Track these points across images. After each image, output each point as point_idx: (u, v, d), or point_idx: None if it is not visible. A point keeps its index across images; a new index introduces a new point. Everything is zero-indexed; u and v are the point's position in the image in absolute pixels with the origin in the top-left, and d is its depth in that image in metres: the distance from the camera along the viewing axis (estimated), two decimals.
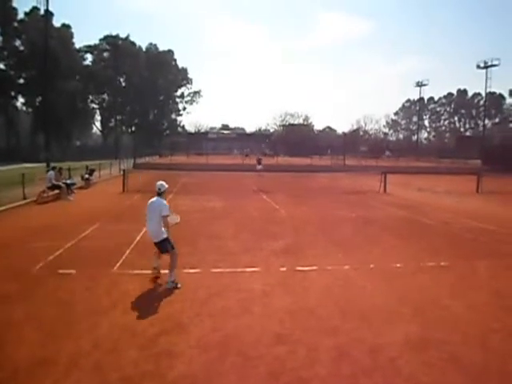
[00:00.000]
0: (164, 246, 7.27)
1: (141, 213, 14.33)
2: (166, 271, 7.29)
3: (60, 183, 18.14)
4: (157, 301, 6.41)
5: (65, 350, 4.81)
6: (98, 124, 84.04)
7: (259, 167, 33.64)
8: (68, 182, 19.32)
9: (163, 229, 7.26)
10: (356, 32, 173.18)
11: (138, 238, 10.48)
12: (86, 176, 23.65)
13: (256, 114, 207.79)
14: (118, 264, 8.25)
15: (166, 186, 7.57)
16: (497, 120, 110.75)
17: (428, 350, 4.99)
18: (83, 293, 6.70)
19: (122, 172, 22.98)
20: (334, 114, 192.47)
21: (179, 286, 7.09)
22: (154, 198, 7.42)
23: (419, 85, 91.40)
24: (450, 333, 5.48)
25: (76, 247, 9.57)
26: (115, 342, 5.02)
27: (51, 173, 18.04)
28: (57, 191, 17.75)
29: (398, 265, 8.62)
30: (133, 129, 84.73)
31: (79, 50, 73.72)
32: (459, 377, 4.45)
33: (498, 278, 7.97)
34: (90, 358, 4.65)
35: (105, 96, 79.91)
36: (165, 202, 7.38)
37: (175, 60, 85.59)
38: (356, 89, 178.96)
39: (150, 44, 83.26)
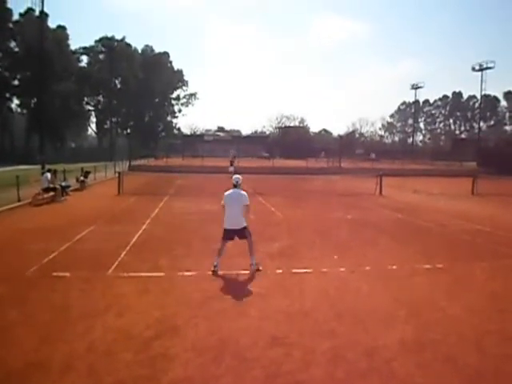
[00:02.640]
0: (244, 233, 8.15)
1: (137, 215, 14.41)
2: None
3: (56, 185, 18.08)
4: (152, 304, 6.37)
5: (59, 353, 4.77)
6: (93, 126, 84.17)
7: (231, 169, 34.10)
8: (63, 184, 19.27)
9: (243, 217, 8.19)
10: (352, 35, 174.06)
11: (133, 241, 10.44)
12: (81, 178, 23.56)
13: (252, 117, 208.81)
14: (113, 266, 8.20)
15: (241, 178, 8.49)
16: (492, 122, 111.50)
17: (423, 352, 4.98)
18: (78, 296, 6.65)
19: (117, 174, 22.89)
20: (330, 117, 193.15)
21: (261, 268, 8.10)
22: (231, 190, 8.32)
23: (414, 87, 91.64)
24: (445, 334, 5.48)
25: (71, 249, 9.52)
26: (110, 346, 4.98)
27: (47, 175, 17.96)
28: (52, 193, 17.66)
29: (394, 267, 8.63)
30: (128, 131, 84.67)
31: (74, 52, 73.70)
32: (454, 378, 4.44)
33: (495, 280, 7.98)
34: (84, 361, 4.61)
35: (100, 98, 79.92)
36: (245, 192, 8.29)
37: (171, 62, 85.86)
38: (352, 91, 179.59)
39: (146, 46, 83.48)
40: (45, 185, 17.51)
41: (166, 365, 4.58)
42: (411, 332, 5.53)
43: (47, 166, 21.62)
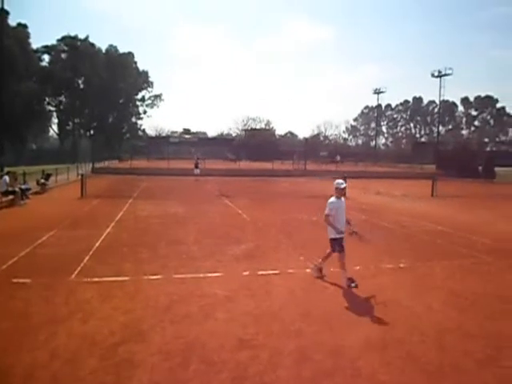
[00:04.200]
0: (331, 244, 7.70)
1: (100, 218, 14.12)
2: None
3: (15, 188, 17.49)
4: (117, 309, 6.26)
5: (20, 362, 4.62)
6: (54, 127, 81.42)
7: (197, 171, 34.05)
8: (23, 187, 18.66)
9: (329, 228, 7.58)
10: (318, 39, 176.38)
11: (97, 245, 10.23)
12: (42, 181, 22.82)
13: (218, 119, 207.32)
14: (75, 272, 8.01)
15: (341, 182, 7.67)
16: (450, 127, 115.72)
17: (387, 350, 5.12)
18: (39, 302, 6.46)
19: (80, 177, 22.34)
20: (296, 120, 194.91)
21: (353, 285, 7.39)
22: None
23: (377, 92, 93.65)
24: (408, 333, 5.64)
25: (32, 255, 9.23)
26: (73, 353, 4.86)
27: (5, 178, 17.36)
28: (11, 197, 17.08)
29: (358, 267, 8.78)
30: (91, 132, 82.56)
31: (36, 51, 71.14)
32: (417, 375, 4.59)
33: (454, 279, 8.27)
34: (48, 369, 4.48)
35: (62, 98, 77.40)
36: (330, 200, 7.57)
37: (136, 62, 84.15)
38: (317, 95, 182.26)
39: (110, 46, 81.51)
40: (3, 188, 16.91)
41: (131, 370, 4.51)
42: (375, 331, 5.67)
43: (6, 169, 20.87)
